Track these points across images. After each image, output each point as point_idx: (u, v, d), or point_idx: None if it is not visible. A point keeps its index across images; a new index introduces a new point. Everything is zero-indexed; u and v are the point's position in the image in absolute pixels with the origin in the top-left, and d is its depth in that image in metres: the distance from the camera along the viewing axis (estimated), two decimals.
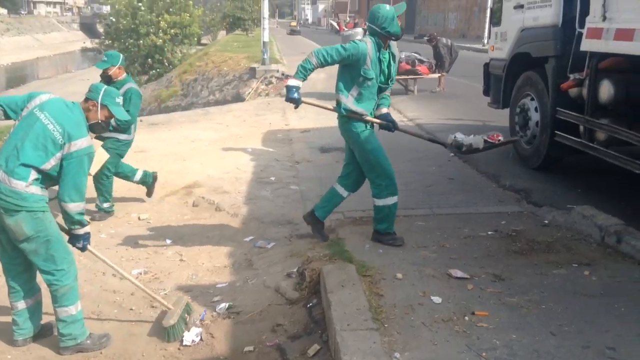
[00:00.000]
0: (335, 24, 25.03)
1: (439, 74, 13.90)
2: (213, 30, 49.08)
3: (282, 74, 17.01)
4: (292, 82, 4.29)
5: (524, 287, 3.67)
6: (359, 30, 13.56)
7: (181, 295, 4.13)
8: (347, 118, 4.45)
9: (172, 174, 6.95)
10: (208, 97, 17.63)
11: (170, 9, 26.99)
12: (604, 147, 5.38)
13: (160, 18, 26.34)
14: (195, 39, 29.35)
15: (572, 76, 5.84)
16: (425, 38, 14.77)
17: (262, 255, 4.76)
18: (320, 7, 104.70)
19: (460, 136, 4.89)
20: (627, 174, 5.13)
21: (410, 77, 13.80)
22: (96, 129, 3.67)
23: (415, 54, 14.05)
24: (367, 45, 4.30)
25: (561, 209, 5.22)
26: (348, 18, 61.52)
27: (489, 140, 4.78)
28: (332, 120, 10.57)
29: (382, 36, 4.37)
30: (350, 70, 4.35)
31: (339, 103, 4.47)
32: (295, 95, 4.27)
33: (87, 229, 3.52)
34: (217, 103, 16.01)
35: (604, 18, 5.20)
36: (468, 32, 39.30)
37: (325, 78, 17.40)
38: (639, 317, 3.27)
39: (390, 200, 4.57)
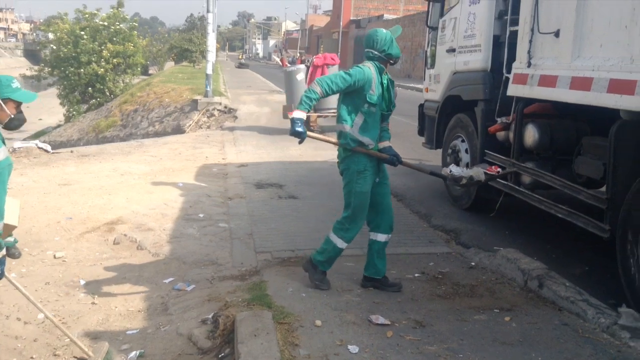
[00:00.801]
0: (278, 59, 25.18)
1: None
2: (159, 61, 48.66)
3: (225, 107, 16.87)
4: (297, 114, 4.05)
5: (444, 334, 3.58)
6: (302, 67, 13.63)
7: (103, 342, 3.83)
8: (351, 152, 4.22)
9: (95, 209, 6.63)
10: (148, 128, 17.25)
11: (114, 39, 26.54)
12: (530, 191, 5.45)
13: (103, 47, 25.85)
14: (139, 69, 28.90)
15: (499, 120, 5.95)
16: None
17: (179, 298, 4.51)
18: (272, 42, 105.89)
19: (455, 169, 4.83)
20: (553, 218, 5.19)
21: None
22: (14, 124, 3.35)
23: None
24: (371, 69, 4.18)
25: (488, 251, 5.22)
26: (298, 54, 62.44)
27: (487, 172, 4.73)
28: (271, 154, 10.63)
29: (382, 60, 4.28)
30: (354, 98, 4.18)
31: (343, 134, 4.24)
32: (300, 128, 4.03)
33: (4, 252, 3.22)
34: (157, 134, 15.67)
35: (529, 64, 5.33)
36: (413, 73, 40.37)
37: (269, 112, 17.43)
38: None
39: (340, 244, 4.37)
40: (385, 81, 4.28)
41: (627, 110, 4.08)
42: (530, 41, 5.34)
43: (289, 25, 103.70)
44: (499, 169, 4.78)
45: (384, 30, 4.34)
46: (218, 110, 16.39)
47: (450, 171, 4.77)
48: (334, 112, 13.60)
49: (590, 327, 3.71)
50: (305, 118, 4.07)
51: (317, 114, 13.47)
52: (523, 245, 5.32)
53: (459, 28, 7.05)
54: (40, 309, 3.60)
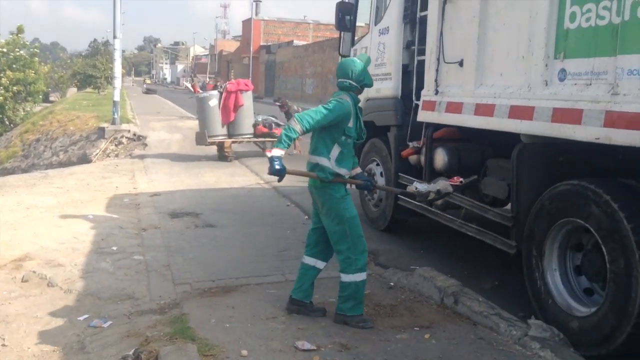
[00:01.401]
0: (189, 85, 24.80)
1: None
2: (62, 88, 46.60)
3: (134, 134, 16.41)
4: (275, 152, 3.98)
5: (369, 355, 3.66)
6: (215, 93, 13.55)
7: None
8: (327, 183, 4.19)
9: (0, 246, 6.21)
10: (51, 158, 16.44)
11: (14, 65, 25.18)
12: (441, 211, 5.71)
13: (1, 74, 24.44)
14: (40, 96, 27.54)
15: (411, 144, 6.21)
16: (277, 104, 15.19)
17: (96, 336, 4.30)
18: (180, 67, 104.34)
19: (420, 186, 4.85)
20: (464, 236, 5.45)
21: (267, 139, 13.99)
22: None
23: (272, 118, 14.33)
24: (349, 101, 4.20)
25: (405, 271, 5.40)
26: (208, 79, 61.93)
27: (452, 183, 4.81)
28: (185, 182, 10.45)
29: (357, 90, 4.33)
30: (333, 131, 4.17)
31: (320, 167, 4.20)
32: (280, 166, 3.96)
33: None
34: (62, 165, 14.95)
35: (437, 92, 5.62)
36: (325, 97, 41.10)
37: (180, 138, 17.12)
38: None
39: (359, 277, 4.20)
40: (358, 111, 4.35)
41: (526, 134, 4.42)
42: (437, 70, 5.64)
43: (198, 50, 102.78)
44: (460, 179, 4.96)
45: (358, 60, 4.42)
46: (127, 137, 15.91)
47: (416, 188, 4.83)
48: (248, 137, 13.64)
49: (504, 339, 3.92)
50: (283, 155, 4.02)
51: (231, 140, 13.42)
52: (438, 264, 5.54)
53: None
54: None
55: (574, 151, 4.20)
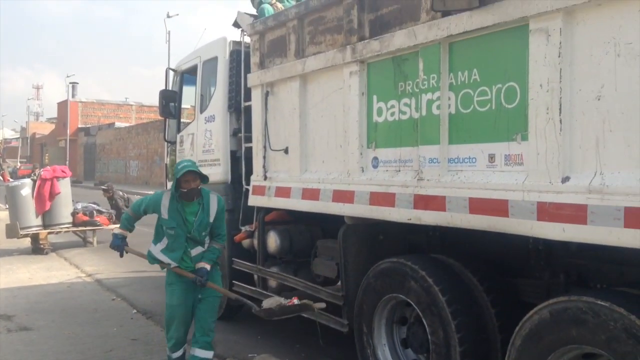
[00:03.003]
0: None
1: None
2: None
3: None
4: (116, 230, 4.99)
5: None
6: (27, 181, 12.53)
7: None
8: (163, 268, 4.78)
9: None
10: None
11: None
12: (276, 294, 5.78)
13: None
14: None
15: (243, 228, 6.29)
16: (102, 188, 14.46)
17: None
18: None
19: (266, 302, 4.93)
20: (299, 318, 5.55)
21: (88, 228, 13.14)
22: None
23: (94, 205, 13.56)
24: (163, 195, 4.78)
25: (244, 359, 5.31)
26: (19, 164, 56.95)
27: (287, 305, 4.66)
28: None
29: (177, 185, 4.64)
30: (159, 222, 4.75)
31: (148, 251, 4.90)
32: (117, 242, 4.91)
33: None
34: None
35: (265, 177, 5.83)
36: (150, 179, 39.99)
37: None
38: None
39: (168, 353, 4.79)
40: (184, 207, 4.68)
41: (349, 216, 4.75)
42: (264, 157, 5.87)
43: (7, 133, 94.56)
44: (295, 300, 4.94)
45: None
46: None
47: (262, 306, 4.94)
48: (67, 227, 12.69)
49: None
50: (123, 234, 4.95)
51: (47, 231, 12.40)
52: (275, 348, 5.56)
53: (197, 143, 7.36)
54: None
55: (392, 230, 4.61)
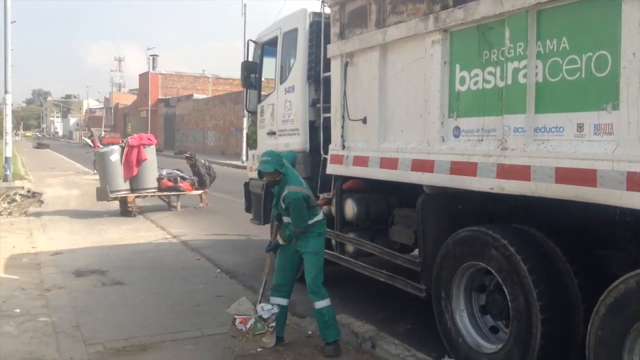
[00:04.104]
0: (89, 140, 23.98)
1: (201, 191, 14.21)
2: None
3: (29, 191, 15.59)
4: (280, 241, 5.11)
5: None
6: (116, 147, 13.29)
7: None
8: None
9: None
10: None
11: None
12: (354, 259, 5.98)
13: None
14: None
15: (321, 196, 6.48)
16: (186, 156, 15.13)
17: None
18: (72, 120, 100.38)
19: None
20: (376, 282, 5.72)
21: (172, 193, 13.83)
22: None
23: (177, 171, 14.22)
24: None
25: None
26: (103, 132, 59.93)
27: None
28: (88, 239, 10.04)
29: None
30: None
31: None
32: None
33: None
34: None
35: (343, 147, 5.96)
36: (227, 150, 41.16)
37: (79, 194, 16.49)
38: None
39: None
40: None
41: (428, 186, 4.82)
42: (342, 127, 6.00)
43: (92, 103, 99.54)
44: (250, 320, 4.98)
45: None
46: (20, 195, 15.05)
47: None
48: (152, 192, 13.41)
49: None
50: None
51: (134, 195, 13.14)
52: (353, 311, 5.74)
53: (277, 113, 7.59)
54: None
55: (472, 200, 4.64)
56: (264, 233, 9.00)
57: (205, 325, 5.57)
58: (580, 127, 3.52)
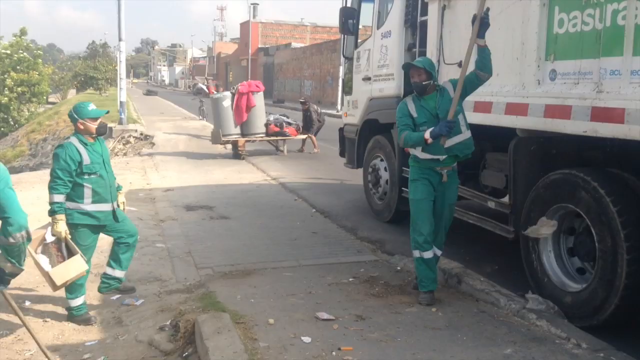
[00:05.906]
0: (204, 87, 25.33)
1: (306, 136, 14.78)
2: (63, 89, 46.91)
3: (141, 134, 16.83)
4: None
5: (382, 324, 4.09)
6: (228, 94, 13.99)
7: None
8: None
9: None
10: None
11: (18, 67, 25.56)
12: None
13: (6, 76, 24.83)
14: (45, 97, 27.96)
15: None
16: (300, 101, 15.85)
17: (131, 312, 4.73)
18: (178, 69, 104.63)
19: None
20: (464, 224, 5.89)
21: (279, 138, 14.49)
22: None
23: (283, 117, 14.85)
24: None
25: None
26: (207, 81, 62.20)
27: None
28: (196, 178, 10.87)
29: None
30: None
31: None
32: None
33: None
34: None
35: None
36: (323, 99, 41.53)
37: (186, 138, 17.57)
38: (476, 344, 3.81)
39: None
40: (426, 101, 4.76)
41: (522, 129, 4.86)
42: (438, 71, 6.06)
43: (195, 52, 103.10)
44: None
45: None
46: (134, 137, 16.33)
47: None
48: (260, 136, 14.10)
49: (504, 312, 4.36)
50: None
51: (244, 139, 13.84)
52: None
53: (373, 59, 7.74)
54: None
55: (565, 144, 4.64)
56: (356, 178, 9.35)
57: (302, 257, 6.03)
58: None
